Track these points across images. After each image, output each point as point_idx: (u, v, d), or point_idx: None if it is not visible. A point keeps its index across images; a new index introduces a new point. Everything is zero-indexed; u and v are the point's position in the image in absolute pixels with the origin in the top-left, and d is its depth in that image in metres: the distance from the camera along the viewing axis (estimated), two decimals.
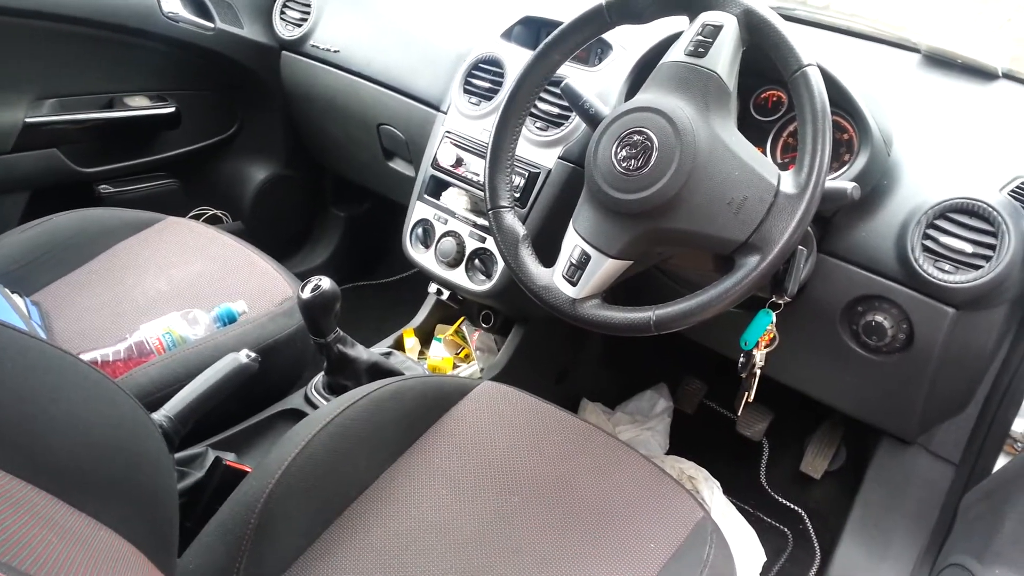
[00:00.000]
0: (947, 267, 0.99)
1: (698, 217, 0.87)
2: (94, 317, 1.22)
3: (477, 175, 1.39)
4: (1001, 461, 1.18)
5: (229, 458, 1.03)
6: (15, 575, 0.40)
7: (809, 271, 1.09)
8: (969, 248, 0.98)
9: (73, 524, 0.55)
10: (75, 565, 0.48)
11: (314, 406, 1.23)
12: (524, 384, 1.11)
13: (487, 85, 1.41)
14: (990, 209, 0.97)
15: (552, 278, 0.98)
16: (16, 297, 1.15)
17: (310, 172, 2.12)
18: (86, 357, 1.08)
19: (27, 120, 1.53)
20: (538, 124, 1.33)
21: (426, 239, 1.47)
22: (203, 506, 0.98)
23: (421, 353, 1.60)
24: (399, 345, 1.59)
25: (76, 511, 0.57)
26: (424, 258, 1.46)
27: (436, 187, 1.47)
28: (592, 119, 1.05)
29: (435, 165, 1.45)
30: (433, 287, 1.54)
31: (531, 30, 1.46)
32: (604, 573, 0.86)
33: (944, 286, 0.98)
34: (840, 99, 1.03)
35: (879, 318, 1.07)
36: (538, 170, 1.31)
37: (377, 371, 1.23)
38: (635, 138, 0.90)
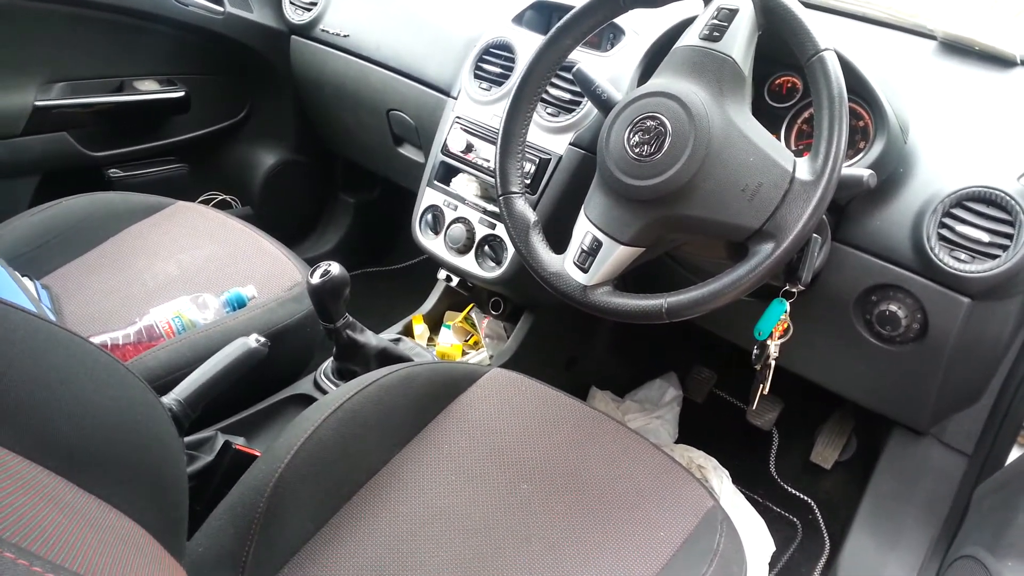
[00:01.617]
0: (963, 256, 0.98)
1: (712, 203, 0.86)
2: (104, 301, 1.22)
3: (487, 161, 1.38)
4: (1015, 453, 1.17)
5: (238, 442, 1.03)
6: (26, 556, 0.39)
7: (823, 259, 1.07)
8: (986, 237, 0.96)
9: (83, 506, 0.55)
10: (86, 547, 0.48)
11: (323, 391, 1.23)
12: (533, 371, 1.10)
13: (498, 70, 1.40)
14: (1008, 198, 0.95)
15: (563, 265, 0.98)
16: (26, 280, 1.15)
17: (319, 158, 2.11)
18: (96, 340, 1.08)
19: (37, 103, 1.53)
20: (549, 110, 1.32)
21: (436, 225, 1.46)
22: (212, 490, 0.98)
23: (430, 340, 1.60)
24: (408, 331, 1.59)
25: (86, 493, 0.57)
26: (433, 244, 1.46)
27: (446, 173, 1.46)
28: (604, 104, 1.04)
29: (445, 151, 1.44)
30: (442, 273, 1.54)
31: (542, 14, 1.45)
32: (614, 561, 0.85)
33: (960, 275, 0.97)
34: (856, 85, 1.01)
35: (893, 307, 1.06)
36: (549, 156, 1.31)
37: (386, 357, 1.22)
38: (648, 123, 0.89)
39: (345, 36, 1.71)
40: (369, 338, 1.21)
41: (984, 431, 1.20)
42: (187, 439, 1.01)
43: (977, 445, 1.21)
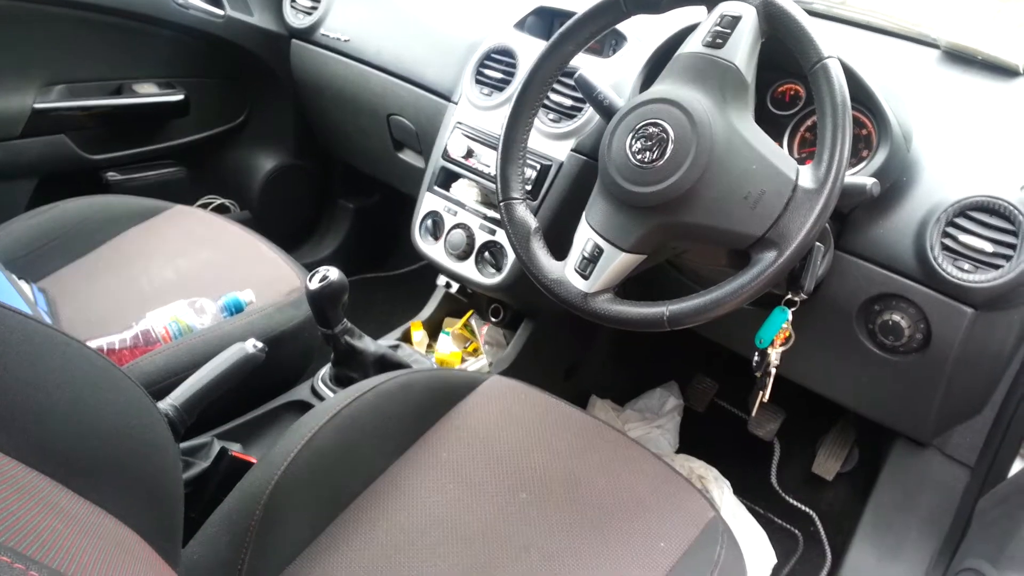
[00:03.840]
0: (966, 266, 0.97)
1: (714, 211, 0.85)
2: (100, 305, 1.21)
3: (488, 167, 1.38)
4: (1018, 465, 1.16)
5: (235, 449, 1.03)
6: (21, 560, 0.39)
7: (826, 268, 1.07)
8: (989, 247, 0.96)
9: (78, 511, 0.55)
10: (80, 553, 0.48)
11: (321, 398, 1.22)
12: (532, 379, 1.09)
13: (499, 76, 1.40)
14: (1011, 208, 0.95)
15: (564, 272, 0.97)
16: (22, 283, 1.14)
17: (319, 162, 2.11)
18: (92, 344, 1.06)
19: (36, 106, 1.53)
20: (551, 116, 1.32)
21: (435, 231, 1.45)
22: (208, 497, 0.98)
23: (429, 346, 1.59)
24: (407, 338, 1.58)
25: (81, 499, 0.56)
26: (433, 250, 1.45)
27: (446, 178, 1.46)
28: (606, 111, 1.04)
29: (445, 156, 1.43)
30: (442, 280, 1.53)
31: (544, 20, 1.44)
32: (613, 572, 0.84)
33: (963, 285, 0.97)
34: (859, 93, 1.01)
35: (896, 317, 1.05)
36: (550, 162, 1.30)
37: (384, 363, 1.22)
38: (650, 130, 0.88)
39: (346, 40, 1.71)
40: (367, 344, 1.21)
41: (987, 443, 1.19)
42: (183, 445, 1.00)
43: (980, 457, 1.20)
